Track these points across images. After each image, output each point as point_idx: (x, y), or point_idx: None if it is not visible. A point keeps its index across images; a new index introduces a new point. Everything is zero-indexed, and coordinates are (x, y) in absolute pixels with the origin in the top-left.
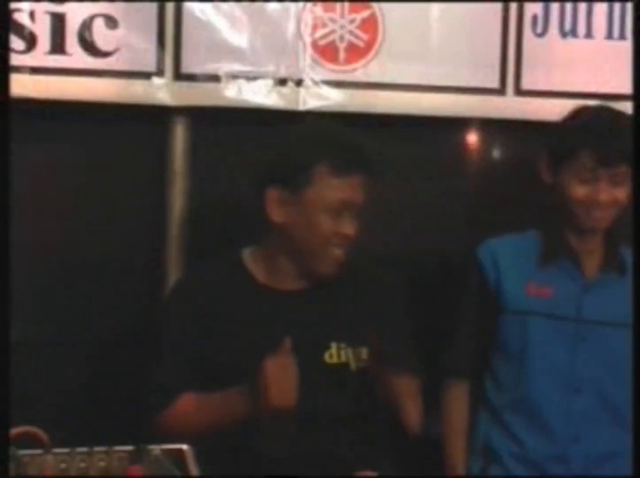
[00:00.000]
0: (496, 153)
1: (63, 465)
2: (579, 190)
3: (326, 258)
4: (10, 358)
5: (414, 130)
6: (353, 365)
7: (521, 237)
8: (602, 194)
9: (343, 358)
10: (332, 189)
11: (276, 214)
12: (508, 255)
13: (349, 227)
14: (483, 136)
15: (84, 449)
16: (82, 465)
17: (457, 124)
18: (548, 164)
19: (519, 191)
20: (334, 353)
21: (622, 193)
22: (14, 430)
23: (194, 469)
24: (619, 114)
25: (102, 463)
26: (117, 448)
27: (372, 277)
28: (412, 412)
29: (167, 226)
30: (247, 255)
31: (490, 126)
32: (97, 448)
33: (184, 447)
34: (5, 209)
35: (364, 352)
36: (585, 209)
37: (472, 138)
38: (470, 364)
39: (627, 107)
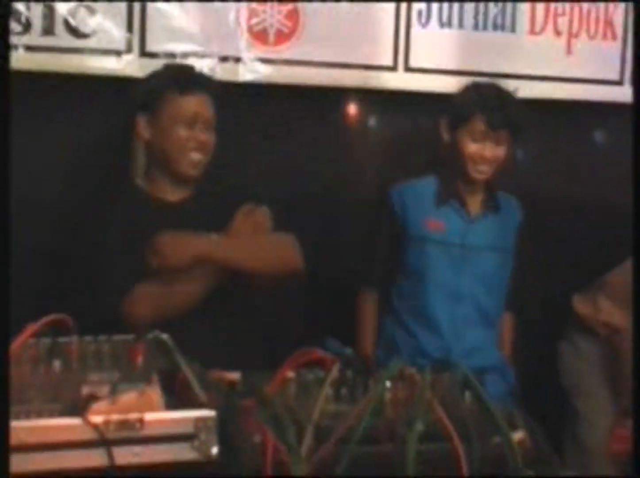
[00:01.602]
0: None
1: (92, 347)
2: (470, 148)
3: (185, 161)
4: (10, 358)
5: (327, 99)
6: None
7: (423, 182)
8: (487, 151)
9: None
10: (180, 106)
11: (144, 133)
12: (412, 196)
13: (201, 135)
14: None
15: (103, 337)
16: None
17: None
18: (447, 126)
19: (418, 147)
20: None
21: (502, 151)
22: (44, 320)
23: (176, 353)
24: (504, 90)
25: (107, 347)
26: (119, 336)
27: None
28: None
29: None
30: (140, 172)
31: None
32: (101, 337)
33: (164, 336)
34: (5, 207)
35: None
36: (473, 163)
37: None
38: (380, 277)
39: (495, 82)
